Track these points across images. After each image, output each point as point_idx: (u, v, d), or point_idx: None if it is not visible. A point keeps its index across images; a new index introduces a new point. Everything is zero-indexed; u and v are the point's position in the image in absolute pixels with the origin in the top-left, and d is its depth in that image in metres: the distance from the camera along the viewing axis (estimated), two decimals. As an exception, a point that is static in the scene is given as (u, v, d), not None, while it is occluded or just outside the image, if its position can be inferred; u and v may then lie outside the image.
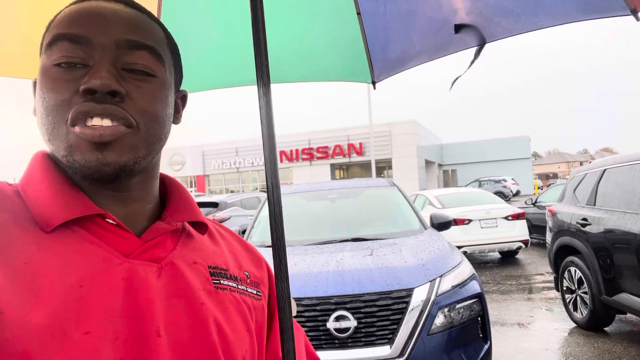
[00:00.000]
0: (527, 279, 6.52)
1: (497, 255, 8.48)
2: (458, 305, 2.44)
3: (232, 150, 30.39)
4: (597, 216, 3.93)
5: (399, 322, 2.33)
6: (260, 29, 0.73)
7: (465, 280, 2.59)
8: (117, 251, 0.49)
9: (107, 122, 0.48)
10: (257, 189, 28.86)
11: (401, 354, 2.26)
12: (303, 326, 2.33)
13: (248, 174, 30.79)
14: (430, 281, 2.47)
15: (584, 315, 4.16)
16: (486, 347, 2.49)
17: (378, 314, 2.35)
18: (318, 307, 2.37)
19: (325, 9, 1.20)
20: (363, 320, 2.34)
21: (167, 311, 0.50)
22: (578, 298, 4.29)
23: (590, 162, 4.76)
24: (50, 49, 0.50)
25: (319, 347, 2.30)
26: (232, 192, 27.02)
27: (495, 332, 4.21)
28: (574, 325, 4.35)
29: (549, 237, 4.99)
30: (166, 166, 30.50)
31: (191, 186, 31.23)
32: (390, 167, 27.84)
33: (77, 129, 0.47)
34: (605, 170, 4.09)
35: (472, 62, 1.08)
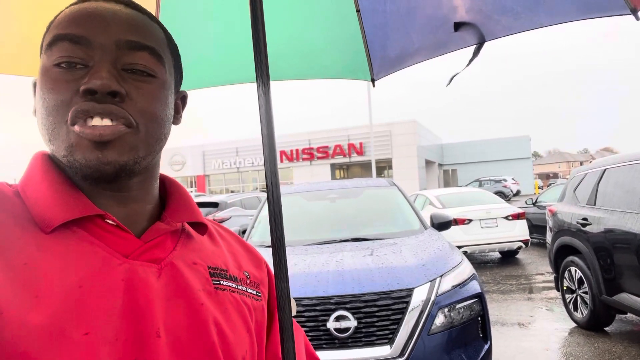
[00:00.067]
0: (527, 278, 6.52)
1: (497, 255, 8.48)
2: (458, 305, 2.44)
3: (233, 150, 30.39)
4: (598, 216, 3.93)
5: (399, 322, 2.33)
6: (260, 29, 0.73)
7: (466, 280, 2.59)
8: (117, 252, 0.49)
9: (107, 122, 0.48)
10: (257, 188, 28.83)
11: (401, 354, 2.26)
12: (303, 326, 2.33)
13: (248, 174, 30.79)
14: (431, 281, 2.47)
15: (585, 315, 4.16)
16: (486, 347, 2.48)
17: (378, 314, 2.35)
18: (318, 307, 2.37)
19: (324, 6, 1.20)
20: (363, 320, 2.34)
21: (166, 312, 0.49)
22: (578, 298, 4.29)
23: (590, 162, 4.76)
24: (50, 50, 0.50)
25: (319, 347, 2.30)
26: (232, 192, 27.00)
27: (495, 332, 4.21)
28: (574, 325, 4.35)
29: (549, 237, 4.98)
30: (166, 166, 30.51)
31: (191, 186, 31.23)
32: (390, 167, 27.83)
33: (77, 128, 0.47)
34: (605, 170, 4.09)
35: (471, 60, 1.08)
